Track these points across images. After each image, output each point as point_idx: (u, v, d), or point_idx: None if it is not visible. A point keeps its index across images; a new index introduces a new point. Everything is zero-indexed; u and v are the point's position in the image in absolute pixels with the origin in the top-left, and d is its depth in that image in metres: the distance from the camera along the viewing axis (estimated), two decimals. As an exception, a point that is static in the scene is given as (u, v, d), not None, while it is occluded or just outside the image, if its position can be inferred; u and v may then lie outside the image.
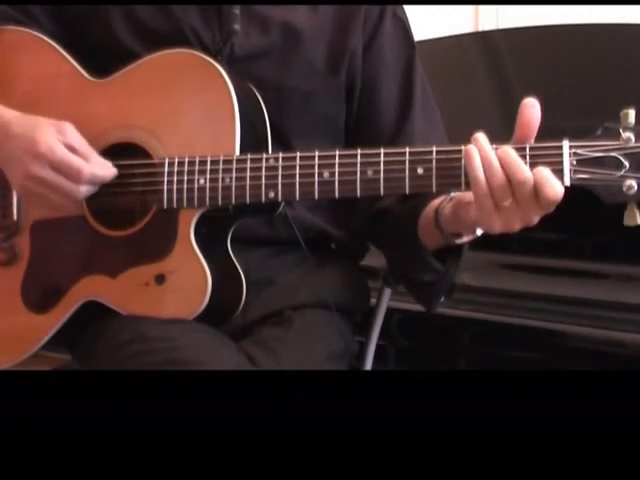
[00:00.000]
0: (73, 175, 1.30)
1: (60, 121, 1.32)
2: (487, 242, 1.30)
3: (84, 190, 1.32)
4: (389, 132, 1.46)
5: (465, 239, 1.30)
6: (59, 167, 1.30)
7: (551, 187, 1.13)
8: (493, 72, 2.18)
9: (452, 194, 1.28)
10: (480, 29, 3.21)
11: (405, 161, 1.21)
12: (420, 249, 1.34)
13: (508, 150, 1.15)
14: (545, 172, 1.14)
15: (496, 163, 1.15)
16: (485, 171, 1.15)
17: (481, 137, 1.16)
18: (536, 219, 1.17)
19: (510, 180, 1.14)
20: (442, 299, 1.40)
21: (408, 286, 1.45)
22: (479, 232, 1.27)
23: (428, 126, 1.47)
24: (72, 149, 1.31)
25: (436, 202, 1.31)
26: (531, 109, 1.16)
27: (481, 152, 1.15)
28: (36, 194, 1.33)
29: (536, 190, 1.14)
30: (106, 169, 1.33)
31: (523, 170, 1.14)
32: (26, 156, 1.30)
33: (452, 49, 2.24)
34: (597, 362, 1.63)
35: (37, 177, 1.30)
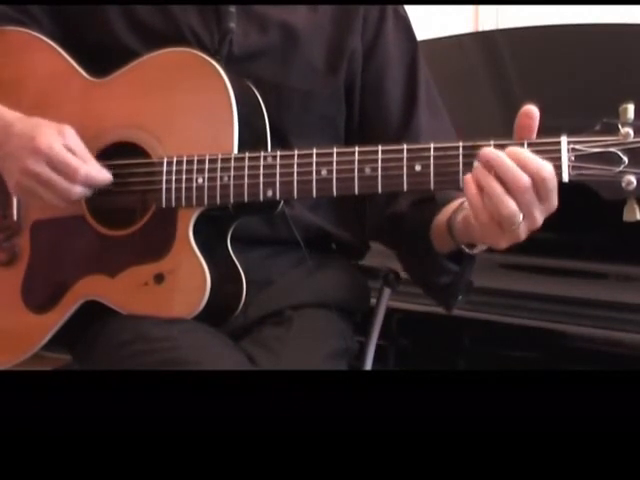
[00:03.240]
0: (69, 174, 1.29)
1: (61, 124, 1.32)
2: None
3: (78, 190, 1.31)
4: (396, 129, 1.45)
5: (479, 249, 1.27)
6: (55, 164, 1.29)
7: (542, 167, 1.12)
8: (493, 72, 2.18)
9: (465, 203, 1.24)
10: (480, 29, 3.22)
11: (403, 158, 1.21)
12: (434, 254, 1.33)
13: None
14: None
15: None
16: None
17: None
18: (539, 217, 1.15)
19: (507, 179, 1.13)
20: (460, 298, 1.39)
21: (425, 289, 1.44)
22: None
23: (434, 120, 1.47)
24: (70, 151, 1.30)
25: (449, 210, 1.29)
26: (529, 116, 1.15)
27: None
28: (30, 191, 1.31)
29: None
30: (102, 174, 1.32)
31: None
32: (23, 151, 1.29)
33: (452, 49, 2.24)
34: (597, 362, 1.63)
35: (32, 172, 1.29)
